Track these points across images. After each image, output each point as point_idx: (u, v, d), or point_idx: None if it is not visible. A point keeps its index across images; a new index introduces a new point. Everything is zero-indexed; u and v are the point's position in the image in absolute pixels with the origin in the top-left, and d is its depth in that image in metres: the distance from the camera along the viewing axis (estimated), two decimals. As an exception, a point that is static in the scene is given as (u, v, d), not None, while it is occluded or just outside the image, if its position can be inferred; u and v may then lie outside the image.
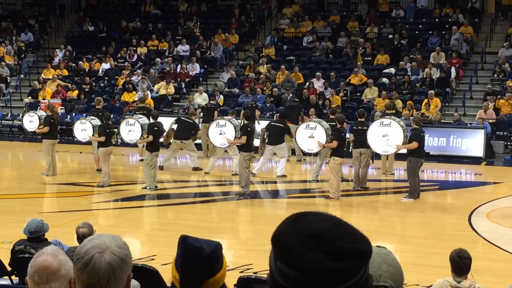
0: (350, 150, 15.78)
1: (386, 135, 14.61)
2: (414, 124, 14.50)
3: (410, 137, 14.34)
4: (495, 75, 24.26)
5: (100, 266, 2.21)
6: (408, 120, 17.69)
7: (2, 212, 12.75)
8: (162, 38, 29.63)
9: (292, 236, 1.61)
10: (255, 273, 8.39)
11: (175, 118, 18.48)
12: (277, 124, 17.09)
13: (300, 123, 17.15)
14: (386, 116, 15.94)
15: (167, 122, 17.92)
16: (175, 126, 17.71)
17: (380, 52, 26.02)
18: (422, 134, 14.39)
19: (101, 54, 29.05)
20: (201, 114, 20.28)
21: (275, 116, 20.69)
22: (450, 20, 27.49)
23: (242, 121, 15.28)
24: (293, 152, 19.49)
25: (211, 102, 21.35)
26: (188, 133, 17.37)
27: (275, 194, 16.05)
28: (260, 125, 19.09)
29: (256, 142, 16.69)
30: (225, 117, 17.11)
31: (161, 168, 17.03)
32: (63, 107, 25.36)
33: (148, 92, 24.11)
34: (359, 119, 15.74)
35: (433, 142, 20.20)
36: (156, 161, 15.41)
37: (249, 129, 14.66)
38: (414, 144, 14.03)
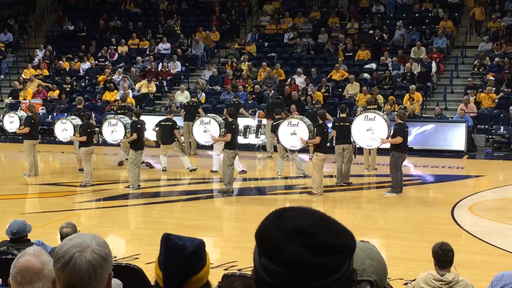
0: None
1: (370, 129, 14.73)
2: (398, 119, 14.55)
3: (394, 131, 14.40)
4: (476, 69, 24.50)
5: (80, 265, 2.19)
6: (390, 115, 17.77)
7: (-16, 213, 12.60)
8: (142, 36, 29.72)
9: (275, 232, 1.60)
10: (239, 270, 8.38)
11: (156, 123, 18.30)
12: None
13: (282, 120, 17.23)
14: (370, 110, 15.99)
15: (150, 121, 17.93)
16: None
17: (361, 47, 26.20)
18: (406, 129, 14.46)
19: (82, 53, 29.08)
20: (184, 112, 20.28)
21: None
22: (430, 15, 27.80)
23: (226, 118, 15.30)
24: (275, 149, 19.41)
25: (193, 99, 21.35)
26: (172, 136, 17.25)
27: (258, 191, 16.06)
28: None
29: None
30: (209, 114, 17.19)
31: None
32: (44, 107, 25.41)
33: (130, 90, 24.14)
34: (341, 115, 15.78)
35: (415, 136, 20.27)
36: (140, 159, 15.43)
37: (233, 126, 14.65)
38: (399, 139, 14.12)
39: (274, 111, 17.90)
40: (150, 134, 17.89)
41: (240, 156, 16.96)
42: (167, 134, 16.97)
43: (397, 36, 26.20)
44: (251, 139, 21.23)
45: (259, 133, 21.05)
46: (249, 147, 20.55)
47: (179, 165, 18.16)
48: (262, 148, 20.91)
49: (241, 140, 18.70)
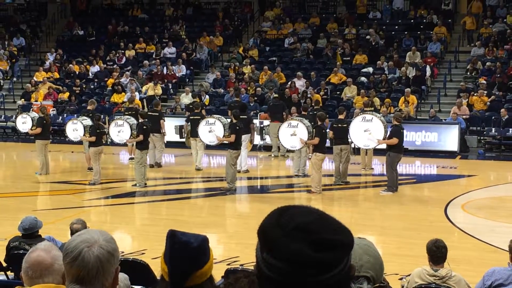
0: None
1: (367, 130, 14.91)
2: (395, 120, 14.72)
3: (390, 133, 14.58)
4: (468, 73, 24.70)
5: (88, 260, 2.24)
6: (386, 117, 17.93)
7: (-3, 210, 12.90)
8: (149, 41, 29.95)
9: (277, 229, 1.64)
10: (241, 265, 8.49)
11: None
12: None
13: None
14: (368, 112, 16.10)
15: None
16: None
17: (358, 52, 26.44)
18: (402, 130, 14.64)
19: (91, 57, 29.38)
20: (188, 113, 20.42)
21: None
22: (424, 21, 28.00)
23: (231, 120, 15.46)
24: (278, 149, 19.86)
25: (195, 100, 21.85)
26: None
27: (260, 189, 16.28)
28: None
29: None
30: (214, 115, 17.35)
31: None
32: (54, 109, 25.62)
33: (137, 93, 24.38)
34: (339, 117, 15.91)
35: (410, 137, 20.32)
36: (146, 159, 15.61)
37: (237, 127, 14.80)
38: (395, 140, 14.34)
39: (302, 106, 18.25)
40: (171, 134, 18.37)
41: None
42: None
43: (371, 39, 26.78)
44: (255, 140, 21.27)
45: (263, 134, 21.18)
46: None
47: (185, 164, 18.60)
48: (264, 148, 21.17)
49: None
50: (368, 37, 27.08)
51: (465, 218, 12.75)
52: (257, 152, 20.87)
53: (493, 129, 21.44)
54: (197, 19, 31.91)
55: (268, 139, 20.91)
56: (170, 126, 20.26)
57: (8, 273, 7.40)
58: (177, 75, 27.49)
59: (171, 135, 20.17)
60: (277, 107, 20.43)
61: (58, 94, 26.98)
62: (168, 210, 13.74)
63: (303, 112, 17.15)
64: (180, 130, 20.40)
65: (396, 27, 28.61)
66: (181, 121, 20.95)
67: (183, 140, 19.47)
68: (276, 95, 22.41)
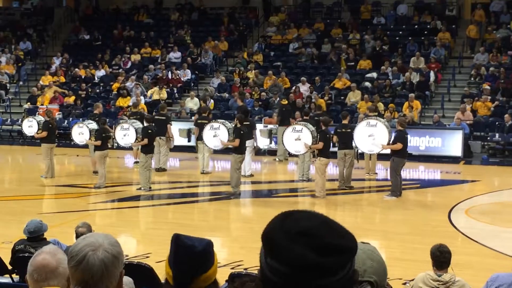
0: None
1: (372, 135, 14.94)
2: (399, 125, 14.80)
3: (394, 138, 14.65)
4: (472, 79, 24.79)
5: (93, 264, 2.24)
6: (390, 122, 18.02)
7: (3, 213, 13.06)
8: (154, 45, 30.10)
9: (281, 233, 1.64)
10: (245, 269, 8.58)
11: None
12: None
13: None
14: (372, 117, 16.16)
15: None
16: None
17: (362, 57, 26.55)
18: (406, 135, 14.70)
19: (97, 61, 29.50)
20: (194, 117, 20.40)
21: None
22: (428, 26, 28.10)
23: (236, 124, 15.48)
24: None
25: (204, 105, 21.92)
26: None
27: (264, 193, 16.27)
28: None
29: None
30: (219, 120, 17.41)
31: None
32: (60, 113, 25.73)
33: (142, 97, 24.48)
34: (343, 122, 15.97)
35: (414, 142, 20.33)
36: (150, 162, 15.67)
37: (241, 132, 14.86)
38: (399, 145, 14.37)
39: (303, 111, 18.30)
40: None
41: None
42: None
43: (367, 45, 27.12)
44: (261, 144, 20.89)
45: (271, 137, 21.15)
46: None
47: (190, 168, 18.72)
48: (268, 152, 21.27)
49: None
50: (371, 42, 27.19)
51: (468, 223, 12.78)
52: (261, 157, 20.90)
53: (497, 134, 21.53)
54: (202, 24, 32.03)
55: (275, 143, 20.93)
56: (174, 130, 20.24)
57: (13, 276, 7.42)
58: (182, 79, 27.60)
59: (176, 138, 20.16)
60: (287, 112, 20.50)
61: (64, 98, 27.10)
62: (172, 214, 13.77)
63: (304, 117, 17.26)
64: (188, 133, 20.44)
65: (400, 32, 28.73)
66: (185, 125, 21.06)
67: (190, 143, 19.49)
68: (285, 101, 22.41)
